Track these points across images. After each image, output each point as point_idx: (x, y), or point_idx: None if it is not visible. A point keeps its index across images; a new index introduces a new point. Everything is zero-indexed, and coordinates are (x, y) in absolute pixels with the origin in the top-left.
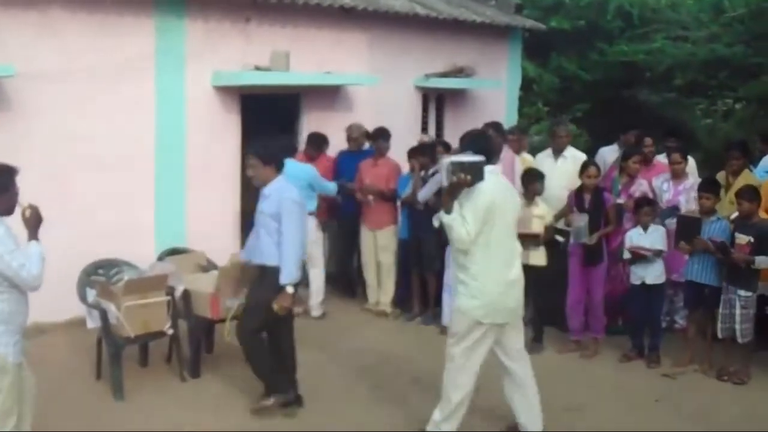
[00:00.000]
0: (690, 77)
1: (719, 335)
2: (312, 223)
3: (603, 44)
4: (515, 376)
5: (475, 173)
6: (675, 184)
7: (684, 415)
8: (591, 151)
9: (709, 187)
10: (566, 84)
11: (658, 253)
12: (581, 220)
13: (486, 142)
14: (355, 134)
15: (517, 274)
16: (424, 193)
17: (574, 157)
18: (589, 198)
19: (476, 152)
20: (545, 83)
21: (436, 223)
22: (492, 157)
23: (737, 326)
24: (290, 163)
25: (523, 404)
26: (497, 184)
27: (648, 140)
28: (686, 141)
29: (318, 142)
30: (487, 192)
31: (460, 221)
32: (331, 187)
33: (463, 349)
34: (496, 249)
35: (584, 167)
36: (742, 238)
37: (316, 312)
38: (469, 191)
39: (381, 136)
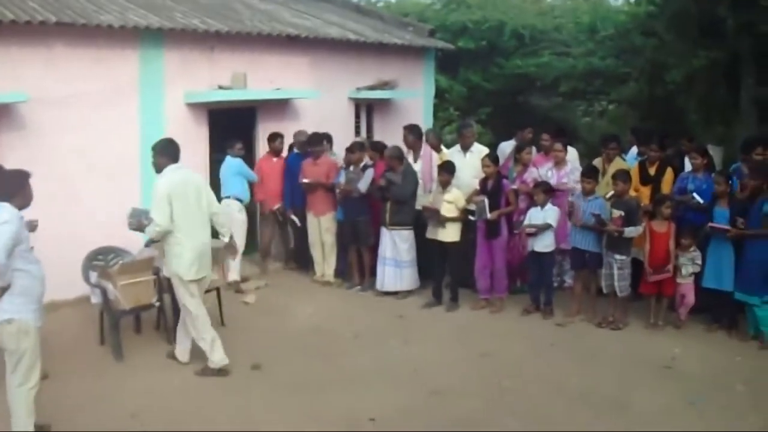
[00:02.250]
0: (572, 85)
1: (604, 291)
2: (236, 207)
3: (501, 60)
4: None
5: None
6: (557, 170)
7: (574, 355)
8: (493, 146)
9: (589, 174)
10: (472, 92)
11: (547, 227)
12: (481, 201)
13: (165, 146)
14: (302, 139)
15: (207, 238)
16: (363, 184)
17: (480, 151)
18: (491, 183)
19: (163, 154)
20: (455, 92)
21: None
22: (171, 159)
23: (616, 283)
24: (227, 159)
25: (182, 336)
26: (173, 177)
27: (545, 135)
28: (570, 137)
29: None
30: (162, 185)
31: (151, 228)
32: (253, 176)
33: (194, 302)
34: (191, 221)
35: (483, 160)
36: (616, 213)
37: (234, 276)
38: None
39: (314, 141)
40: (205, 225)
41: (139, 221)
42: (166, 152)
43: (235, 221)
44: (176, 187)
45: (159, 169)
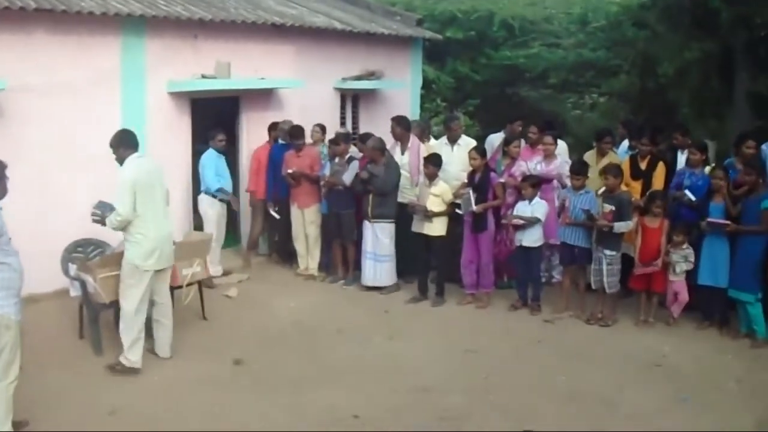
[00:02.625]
0: (562, 76)
1: (593, 287)
2: (205, 201)
3: (490, 50)
4: (160, 308)
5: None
6: (546, 164)
7: (562, 352)
8: (481, 138)
9: (579, 170)
10: (460, 83)
11: (535, 221)
12: (467, 194)
13: (121, 137)
14: (285, 128)
15: (170, 229)
16: (348, 177)
17: (468, 144)
18: (478, 176)
19: (121, 145)
20: (443, 83)
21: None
22: (131, 148)
23: (605, 279)
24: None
25: (159, 332)
26: (139, 166)
27: (533, 128)
28: (559, 129)
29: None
30: (127, 173)
31: (112, 218)
32: (209, 174)
33: (134, 296)
34: (154, 210)
35: (470, 153)
36: (606, 207)
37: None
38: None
39: (296, 134)
40: (167, 215)
41: (103, 214)
42: (125, 142)
43: (204, 216)
44: (141, 176)
45: (121, 161)
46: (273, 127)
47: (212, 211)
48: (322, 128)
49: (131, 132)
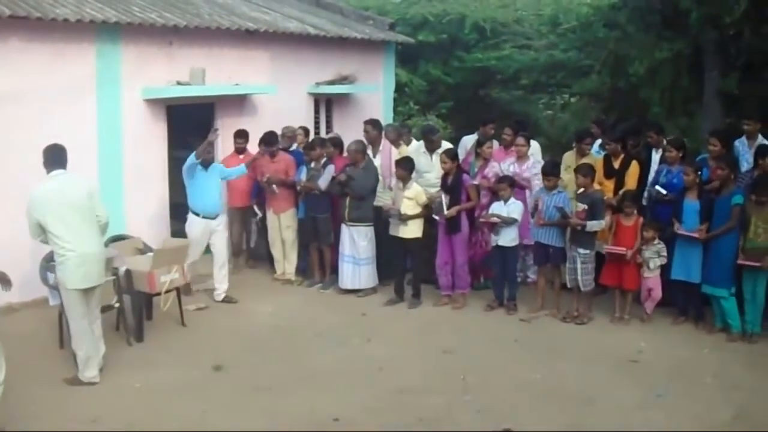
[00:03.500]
0: (534, 78)
1: (568, 285)
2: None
3: (462, 53)
4: (94, 328)
5: None
6: (519, 164)
7: (539, 350)
8: (455, 140)
9: (551, 171)
10: (433, 86)
11: (511, 222)
12: (438, 198)
13: (44, 154)
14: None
15: (96, 246)
16: (324, 181)
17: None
18: (451, 179)
19: (44, 162)
20: (415, 86)
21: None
22: (52, 165)
23: (579, 278)
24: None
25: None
26: (44, 186)
27: (507, 130)
28: (531, 130)
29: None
30: (31, 195)
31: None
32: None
33: (75, 314)
34: (73, 229)
35: (441, 156)
36: (579, 206)
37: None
38: None
39: (270, 140)
40: (95, 232)
41: None
42: (47, 159)
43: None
44: (47, 196)
45: None
46: (239, 135)
47: (190, 231)
48: (305, 131)
49: (57, 148)
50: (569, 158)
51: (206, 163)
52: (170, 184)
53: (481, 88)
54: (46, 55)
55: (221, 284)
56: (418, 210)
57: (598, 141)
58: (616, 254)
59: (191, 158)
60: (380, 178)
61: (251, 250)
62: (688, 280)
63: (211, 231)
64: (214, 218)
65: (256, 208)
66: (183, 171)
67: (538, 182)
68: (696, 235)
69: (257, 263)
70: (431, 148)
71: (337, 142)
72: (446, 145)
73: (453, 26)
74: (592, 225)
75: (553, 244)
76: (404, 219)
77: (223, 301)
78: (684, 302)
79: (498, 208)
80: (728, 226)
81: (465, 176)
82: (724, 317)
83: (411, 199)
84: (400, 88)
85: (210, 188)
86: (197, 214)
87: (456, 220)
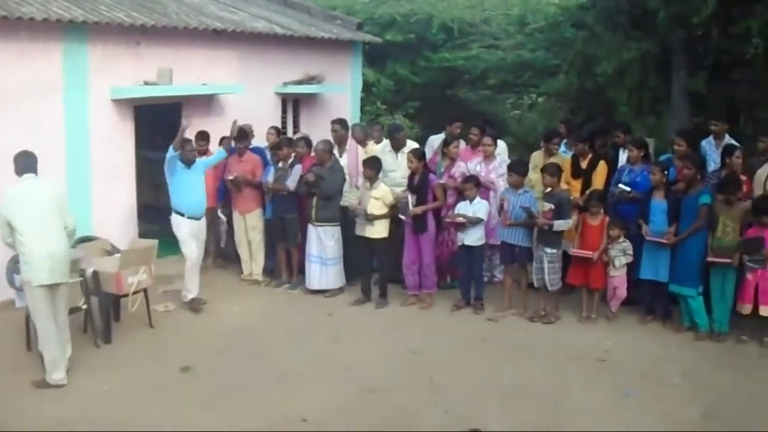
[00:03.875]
0: (501, 77)
1: (535, 285)
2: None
3: (429, 53)
4: (61, 329)
5: None
6: (486, 164)
7: (506, 350)
8: (422, 140)
9: (515, 168)
10: (400, 86)
11: (476, 221)
12: (404, 198)
13: (15, 161)
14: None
15: (60, 245)
16: (291, 182)
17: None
18: (417, 179)
19: (15, 169)
20: (383, 86)
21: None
22: (22, 171)
23: (546, 277)
24: None
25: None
26: (12, 190)
27: (474, 130)
28: (498, 129)
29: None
30: (6, 195)
31: None
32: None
33: (40, 313)
34: (38, 228)
35: (407, 155)
36: (546, 206)
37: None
38: None
39: (241, 137)
40: (61, 232)
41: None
42: (17, 166)
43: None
44: (15, 199)
45: None
46: (201, 136)
47: (177, 231)
48: (277, 130)
49: (28, 155)
50: (537, 158)
51: (188, 161)
52: (138, 185)
53: (448, 87)
54: (11, 54)
55: (191, 289)
56: (384, 210)
57: (566, 140)
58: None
59: (170, 151)
60: (347, 177)
61: (221, 251)
62: (656, 279)
63: (195, 233)
64: (199, 218)
65: (220, 212)
66: (164, 167)
67: (504, 182)
68: (665, 240)
69: (227, 263)
70: (396, 146)
71: (309, 142)
72: (411, 144)
73: (420, 26)
74: (559, 224)
75: (520, 243)
76: (371, 219)
77: (188, 303)
78: (651, 301)
79: (463, 208)
80: (696, 227)
81: (431, 176)
82: (692, 316)
83: (378, 198)
84: (367, 87)
85: (194, 187)
86: (182, 215)
87: (423, 220)
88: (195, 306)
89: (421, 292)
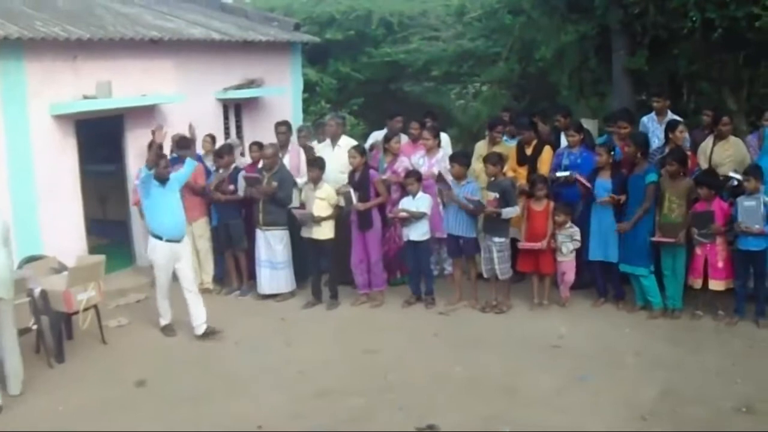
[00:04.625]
0: (444, 68)
1: (485, 275)
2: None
3: (371, 49)
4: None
5: None
6: (429, 158)
7: (459, 343)
8: (367, 137)
9: (458, 159)
10: (343, 84)
11: (420, 216)
12: (347, 191)
13: None
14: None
15: (4, 261)
16: (241, 189)
17: (348, 145)
18: (358, 175)
19: None
20: (326, 85)
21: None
22: None
23: (497, 266)
24: None
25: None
26: None
27: (414, 124)
28: (444, 120)
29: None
30: None
31: None
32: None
33: None
34: None
35: (349, 151)
36: (490, 195)
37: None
38: None
39: (183, 145)
40: (3, 250)
41: None
42: None
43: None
44: None
45: None
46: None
47: (153, 257)
48: (212, 138)
49: None
50: (481, 147)
51: (162, 179)
52: (84, 199)
53: (392, 82)
54: None
55: (198, 315)
56: (330, 210)
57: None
58: (528, 240)
59: (143, 170)
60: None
61: None
62: (605, 259)
63: (176, 256)
64: (179, 241)
65: None
66: (138, 187)
67: (448, 174)
68: (607, 199)
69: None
70: (330, 136)
71: (261, 146)
72: (348, 140)
73: (360, 22)
74: (507, 212)
75: (465, 234)
76: (318, 221)
77: (204, 335)
78: (604, 283)
79: (407, 203)
80: (644, 207)
81: (372, 172)
82: (645, 295)
83: (323, 199)
84: (310, 87)
85: (170, 207)
86: (159, 238)
87: (368, 217)
88: (167, 332)
89: (371, 291)
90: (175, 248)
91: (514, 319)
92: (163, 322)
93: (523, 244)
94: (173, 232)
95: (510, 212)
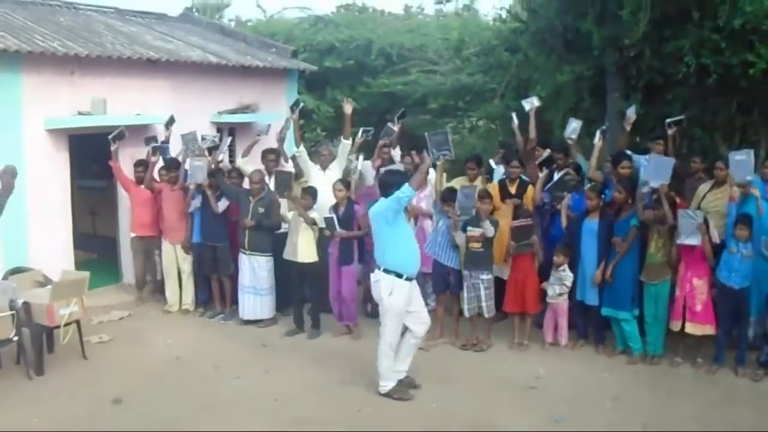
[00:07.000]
0: (441, 102)
1: (467, 314)
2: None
3: (369, 79)
4: None
5: None
6: (419, 191)
7: (436, 379)
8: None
9: (449, 197)
10: (340, 112)
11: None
12: (330, 216)
13: None
14: None
15: None
16: (221, 206)
17: (338, 173)
18: (342, 211)
19: None
20: (322, 113)
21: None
22: None
23: (483, 303)
24: None
25: None
26: None
27: (407, 159)
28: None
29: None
30: None
31: None
32: None
33: None
34: None
35: (335, 185)
36: (475, 231)
37: None
38: None
39: (173, 166)
40: None
41: None
42: None
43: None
44: None
45: None
46: (139, 164)
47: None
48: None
49: None
50: (459, 183)
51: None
52: (74, 214)
53: (388, 113)
54: None
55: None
56: (316, 235)
57: (501, 167)
58: (516, 280)
59: (406, 190)
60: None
61: (158, 283)
62: (585, 301)
63: (411, 298)
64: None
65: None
66: (385, 212)
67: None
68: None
69: (164, 295)
70: (321, 163)
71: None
72: (335, 166)
73: (360, 52)
74: (489, 229)
75: (452, 266)
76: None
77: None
78: (584, 325)
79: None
80: (624, 249)
81: (356, 207)
82: (625, 340)
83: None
84: (307, 114)
85: (409, 236)
86: (400, 276)
87: (349, 251)
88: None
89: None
90: (412, 288)
91: (494, 358)
92: (395, 382)
93: (515, 222)
94: (415, 268)
95: (489, 229)
